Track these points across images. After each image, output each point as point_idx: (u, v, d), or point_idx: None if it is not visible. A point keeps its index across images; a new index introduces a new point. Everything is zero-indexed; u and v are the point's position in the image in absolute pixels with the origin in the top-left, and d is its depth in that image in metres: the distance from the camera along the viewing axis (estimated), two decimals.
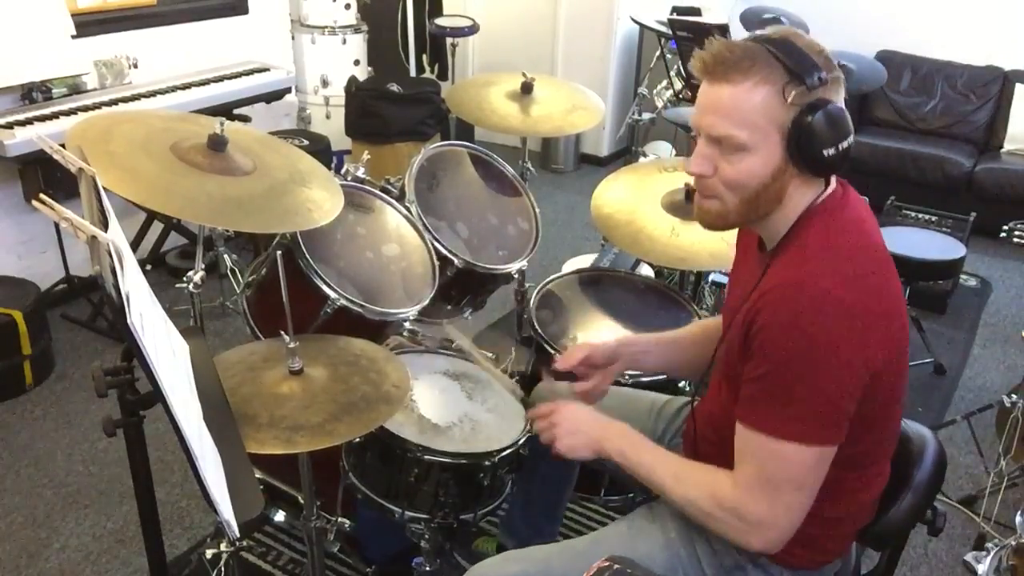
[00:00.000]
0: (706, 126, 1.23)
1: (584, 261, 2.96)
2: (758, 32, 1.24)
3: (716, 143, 1.23)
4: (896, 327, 1.23)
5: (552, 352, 1.99)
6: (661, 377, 1.95)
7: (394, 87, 4.18)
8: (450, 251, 2.07)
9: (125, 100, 3.25)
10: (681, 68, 3.73)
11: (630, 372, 1.94)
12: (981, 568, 2.00)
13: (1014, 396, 2.48)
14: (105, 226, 1.03)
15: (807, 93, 1.18)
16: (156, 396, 1.01)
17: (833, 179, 1.29)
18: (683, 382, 2.00)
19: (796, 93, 1.17)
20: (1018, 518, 2.06)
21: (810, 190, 1.25)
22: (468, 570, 1.45)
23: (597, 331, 2.09)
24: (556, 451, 1.44)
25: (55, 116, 3.02)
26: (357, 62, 4.56)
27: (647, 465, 1.36)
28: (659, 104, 4.31)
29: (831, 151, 1.19)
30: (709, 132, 1.23)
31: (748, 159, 1.21)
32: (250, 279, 2.03)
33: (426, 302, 1.97)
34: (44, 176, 3.03)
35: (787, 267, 1.23)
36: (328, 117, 4.49)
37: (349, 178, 2.12)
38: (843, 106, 1.22)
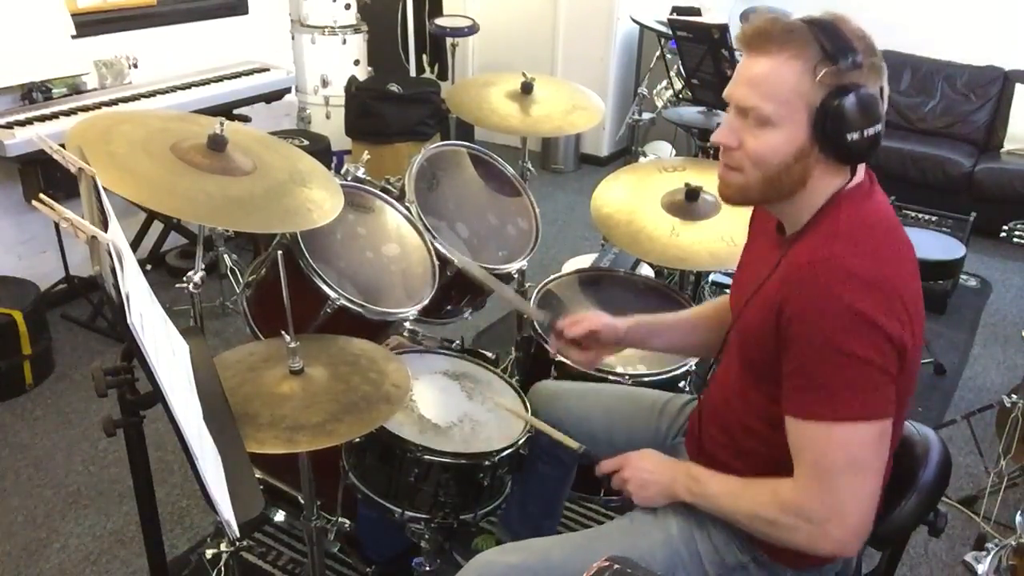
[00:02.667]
0: (737, 97, 1.24)
1: (584, 261, 2.96)
2: (809, 13, 1.23)
3: (744, 115, 1.23)
4: (920, 309, 1.23)
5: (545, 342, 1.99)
6: (661, 376, 1.95)
7: (394, 87, 4.18)
8: (450, 251, 2.07)
9: (125, 100, 3.25)
10: (681, 68, 3.73)
11: (630, 372, 1.95)
12: (981, 568, 2.00)
13: (1014, 396, 2.48)
14: (105, 226, 1.03)
15: (838, 74, 1.17)
16: (156, 396, 1.01)
17: (861, 170, 1.27)
18: (682, 382, 2.00)
19: (827, 72, 1.17)
20: (1018, 518, 2.06)
21: (835, 178, 1.24)
22: (471, 559, 1.45)
23: None
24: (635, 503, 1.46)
25: (55, 116, 3.01)
26: (357, 62, 4.56)
27: (711, 496, 1.35)
28: (659, 104, 4.31)
29: (855, 136, 1.18)
30: (738, 103, 1.24)
31: (772, 134, 1.21)
32: (250, 279, 2.03)
33: (426, 302, 1.97)
34: (44, 176, 3.02)
35: (814, 247, 1.22)
36: (328, 117, 4.49)
37: (349, 178, 2.12)
38: (878, 95, 1.20)
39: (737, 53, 3.07)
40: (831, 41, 1.17)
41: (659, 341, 1.69)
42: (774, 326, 1.22)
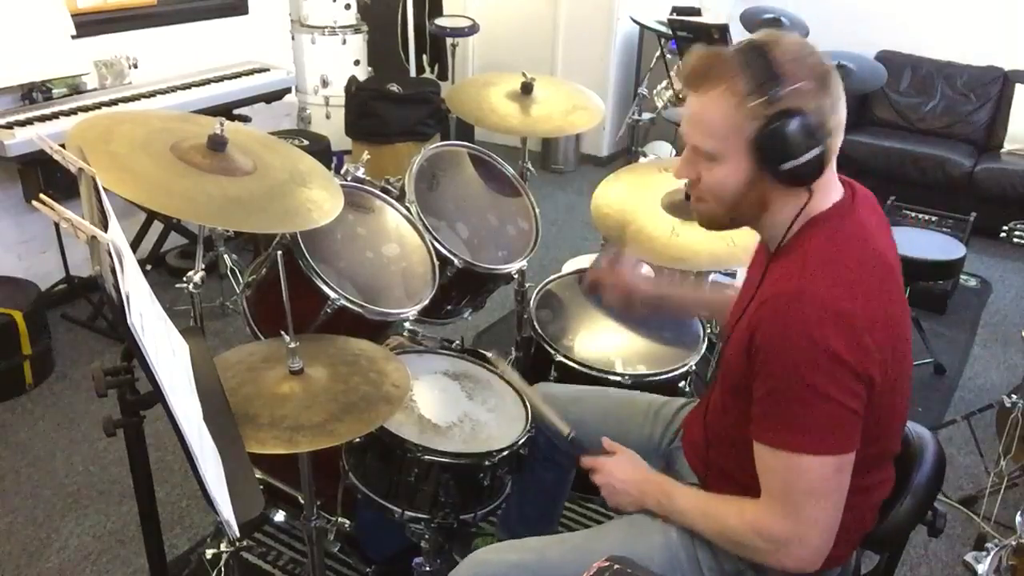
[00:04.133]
0: (684, 135, 1.29)
1: (584, 261, 2.96)
2: (750, 36, 1.25)
3: (694, 151, 1.28)
4: (895, 335, 1.24)
5: (552, 350, 1.99)
6: (662, 375, 1.95)
7: (394, 87, 4.18)
8: (450, 251, 2.07)
9: (125, 100, 3.25)
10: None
11: (630, 372, 1.94)
12: (981, 568, 1.99)
13: (1014, 396, 2.48)
14: (105, 226, 1.03)
15: (768, 103, 1.18)
16: (156, 396, 1.01)
17: (836, 184, 1.29)
18: (682, 382, 2.00)
19: (755, 104, 1.19)
20: (1018, 518, 2.06)
21: (796, 198, 1.25)
22: (467, 556, 1.46)
23: (597, 331, 2.09)
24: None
25: (55, 116, 3.02)
26: (357, 62, 4.56)
27: (681, 511, 1.38)
28: (659, 104, 4.30)
29: (794, 163, 1.19)
30: (686, 140, 1.29)
31: (719, 168, 1.25)
32: (250, 279, 2.03)
33: (426, 302, 1.97)
34: (44, 176, 3.03)
35: (786, 277, 1.23)
36: (328, 117, 4.49)
37: (349, 178, 2.12)
38: (823, 110, 1.20)
39: None
40: (758, 71, 1.19)
41: (685, 309, 1.81)
42: (746, 351, 1.24)
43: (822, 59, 1.22)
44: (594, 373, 1.93)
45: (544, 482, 1.86)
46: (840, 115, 1.24)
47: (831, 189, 1.28)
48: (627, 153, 5.21)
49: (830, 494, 1.22)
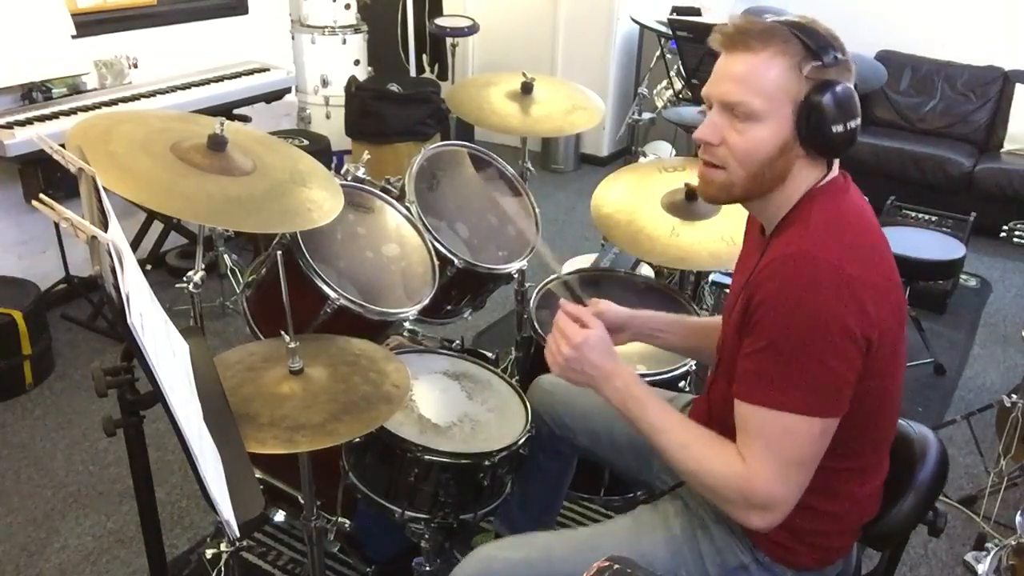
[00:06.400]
0: (720, 93, 1.25)
1: (584, 261, 2.96)
2: (778, 17, 1.26)
3: (728, 111, 1.24)
4: (893, 300, 1.24)
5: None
6: (661, 375, 1.95)
7: (394, 87, 4.18)
8: (450, 251, 2.07)
9: (125, 100, 3.25)
10: (681, 68, 3.73)
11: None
12: (981, 568, 2.00)
13: (1014, 396, 2.48)
14: (105, 226, 1.03)
15: (822, 70, 1.20)
16: (156, 396, 1.02)
17: (836, 168, 1.30)
18: (682, 382, 2.00)
19: (811, 68, 1.20)
20: (1018, 518, 2.06)
21: (813, 172, 1.26)
22: (471, 551, 1.45)
23: None
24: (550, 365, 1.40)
25: (55, 116, 3.02)
26: (357, 62, 4.56)
27: (654, 425, 1.32)
28: (659, 104, 4.31)
29: (839, 128, 1.20)
30: (723, 99, 1.25)
31: (758, 129, 1.23)
32: (250, 279, 2.04)
33: (426, 302, 1.97)
34: (44, 176, 3.03)
35: (788, 242, 1.24)
36: (328, 117, 4.49)
37: (349, 178, 2.12)
38: (851, 87, 1.23)
39: None
40: (812, 39, 1.20)
41: (668, 340, 1.67)
42: (742, 316, 1.23)
43: None
44: None
45: (546, 471, 1.86)
46: None
47: (835, 169, 1.30)
48: (627, 153, 5.22)
49: (812, 459, 1.21)
